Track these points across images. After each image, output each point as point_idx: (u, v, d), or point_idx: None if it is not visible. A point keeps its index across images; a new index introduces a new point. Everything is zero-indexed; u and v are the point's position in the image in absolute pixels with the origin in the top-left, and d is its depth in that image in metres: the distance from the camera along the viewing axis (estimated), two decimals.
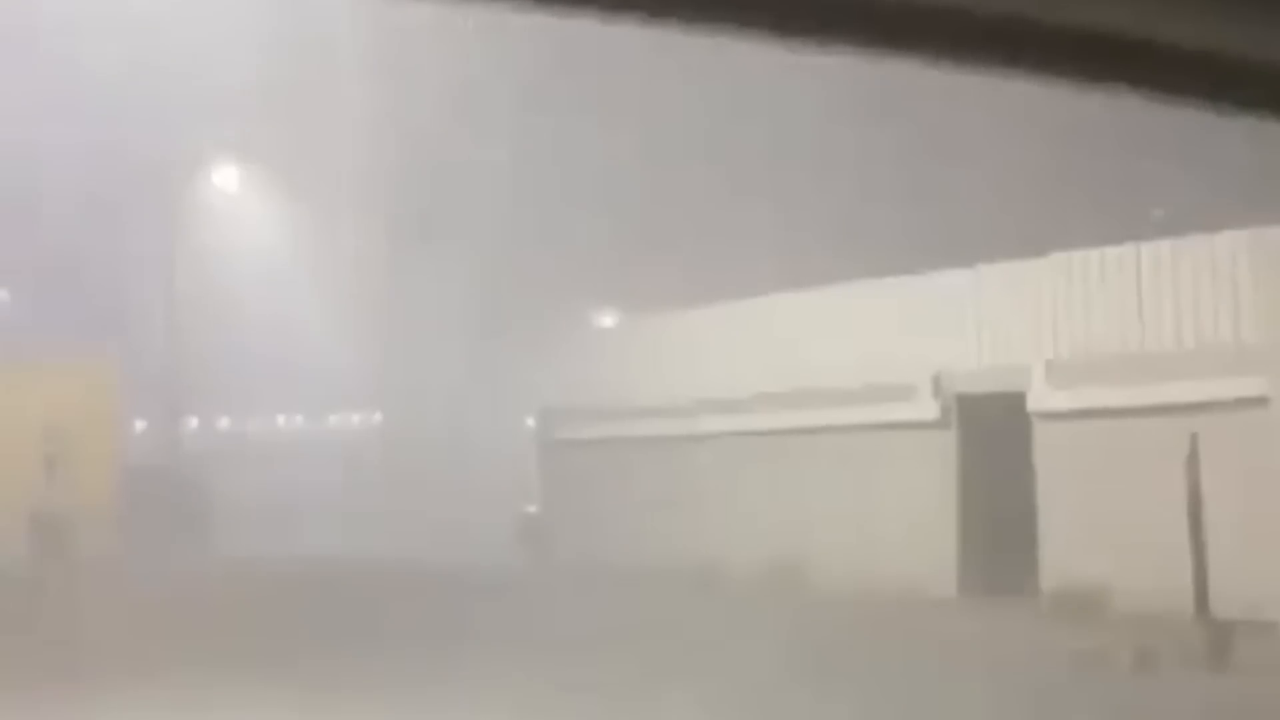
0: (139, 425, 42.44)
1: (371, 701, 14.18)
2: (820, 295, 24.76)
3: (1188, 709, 13.57)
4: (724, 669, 15.12)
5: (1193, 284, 19.25)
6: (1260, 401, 18.03)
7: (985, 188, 31.09)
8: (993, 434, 21.41)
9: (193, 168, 39.12)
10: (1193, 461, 16.21)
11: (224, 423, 53.89)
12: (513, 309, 40.44)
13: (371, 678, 15.02)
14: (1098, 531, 19.28)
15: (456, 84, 34.24)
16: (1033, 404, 20.85)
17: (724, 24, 1.81)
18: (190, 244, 38.62)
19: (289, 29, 31.91)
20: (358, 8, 29.83)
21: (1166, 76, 1.86)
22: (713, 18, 1.80)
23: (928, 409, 22.39)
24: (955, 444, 22.11)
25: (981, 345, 21.80)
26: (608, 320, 40.88)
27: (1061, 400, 20.42)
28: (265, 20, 31.44)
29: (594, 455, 28.74)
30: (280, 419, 60.12)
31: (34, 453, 29.36)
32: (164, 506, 32.39)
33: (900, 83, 23.36)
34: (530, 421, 36.46)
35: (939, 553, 21.60)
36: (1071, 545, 19.76)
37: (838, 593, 21.24)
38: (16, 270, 43.05)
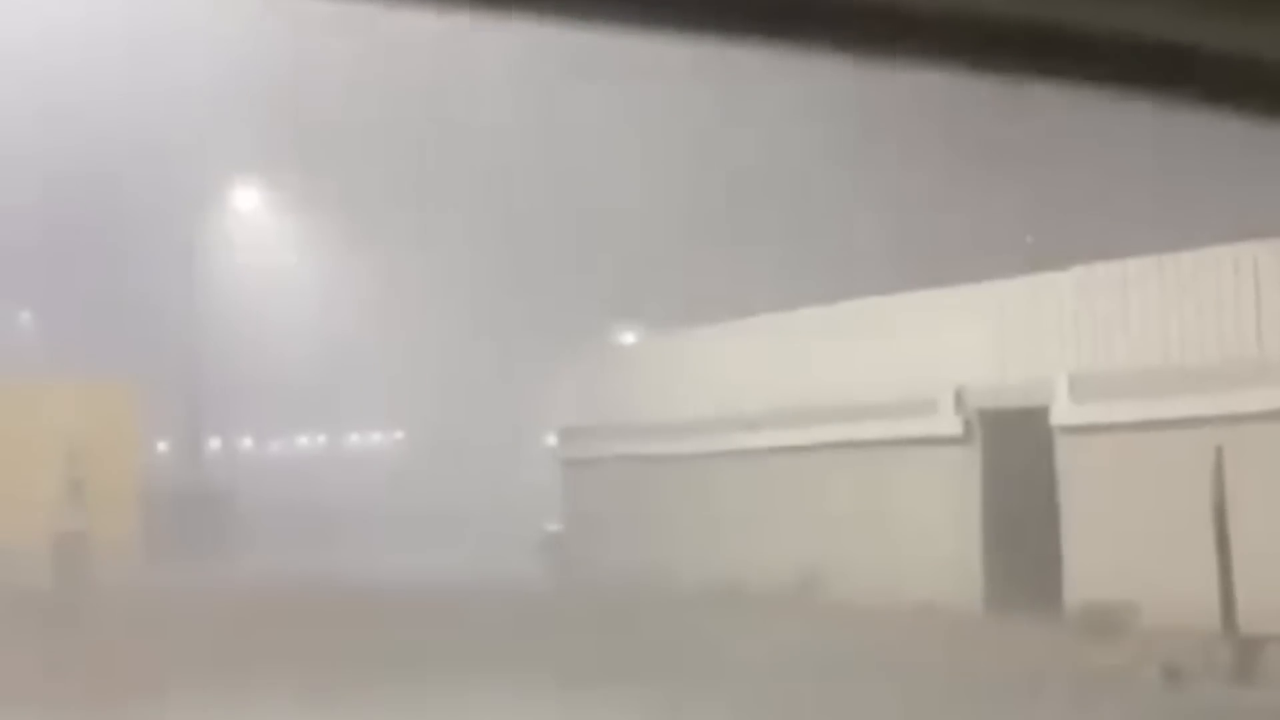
0: (161, 446, 42.54)
1: (392, 718, 14.16)
2: (841, 310, 24.71)
3: None
4: (746, 687, 15.06)
5: (1216, 296, 19.15)
6: None
7: (1007, 201, 31.02)
8: (1016, 448, 21.31)
9: (213, 189, 39.25)
10: (1218, 475, 16.10)
11: (246, 442, 54.02)
12: (533, 327, 40.46)
13: (392, 694, 14.99)
14: (1123, 546, 19.17)
15: (477, 100, 34.29)
16: (1056, 418, 20.75)
17: (745, 35, 1.79)
18: (211, 264, 38.73)
19: (308, 49, 32.01)
20: (376, 26, 29.91)
21: (1196, 83, 1.82)
22: (734, 29, 1.77)
23: (950, 424, 22.29)
24: (978, 459, 22.01)
25: (1004, 359, 21.71)
26: (628, 337, 40.90)
27: (1085, 414, 20.32)
28: (284, 40, 31.55)
29: (615, 472, 28.70)
30: (302, 438, 60.27)
31: (56, 474, 29.38)
32: (186, 526, 32.44)
33: (921, 98, 23.32)
34: (551, 439, 36.48)
35: (963, 568, 21.49)
36: (1096, 560, 19.65)
37: (861, 609, 21.14)
38: (38, 292, 43.23)
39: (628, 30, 1.79)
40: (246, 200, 40.96)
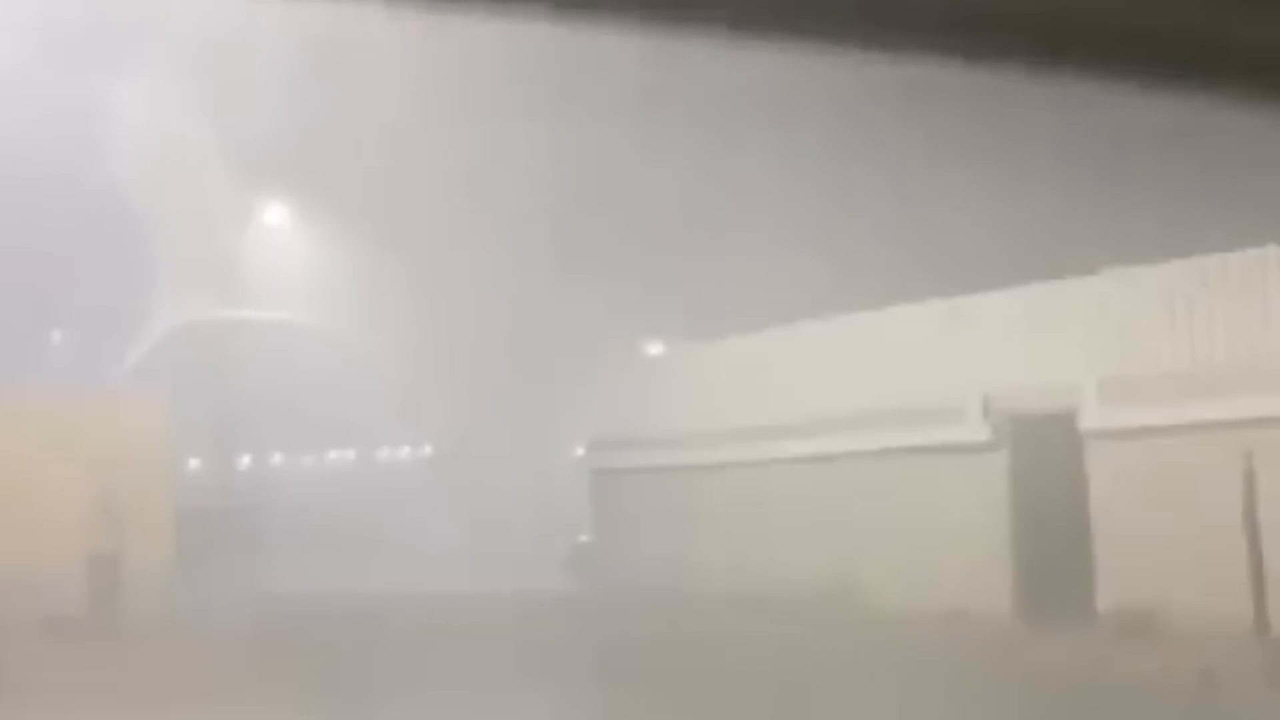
0: (191, 463, 42.69)
1: None
2: (868, 318, 24.70)
3: None
4: (776, 698, 15.04)
5: (1245, 298, 19.09)
6: None
7: (1030, 205, 30.92)
8: (1045, 454, 21.27)
9: (242, 205, 39.42)
10: (1248, 478, 16.05)
11: (276, 459, 54.15)
12: (561, 338, 40.46)
13: (424, 710, 15.01)
14: (1154, 551, 19.10)
15: (500, 113, 34.37)
16: (1085, 423, 20.70)
17: (791, 35, 1.78)
18: (239, 280, 38.88)
19: (338, 65, 32.15)
20: (403, 42, 30.02)
21: (1226, 77, 1.80)
22: (776, 28, 1.76)
23: (978, 430, 22.26)
24: (1007, 465, 21.97)
25: (1032, 364, 21.67)
26: (656, 348, 40.86)
27: (1114, 419, 20.26)
28: (313, 57, 31.68)
29: (645, 483, 28.72)
30: (331, 453, 60.38)
31: (88, 492, 29.50)
32: (217, 544, 32.52)
33: (946, 99, 23.26)
34: (580, 450, 36.49)
35: (993, 576, 21.44)
36: (1127, 565, 19.59)
37: (891, 618, 21.12)
38: (68, 311, 43.44)
39: (633, 27, 1.79)
40: (276, 214, 41.17)
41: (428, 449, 59.34)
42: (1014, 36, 1.73)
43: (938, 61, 1.85)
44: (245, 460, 46.00)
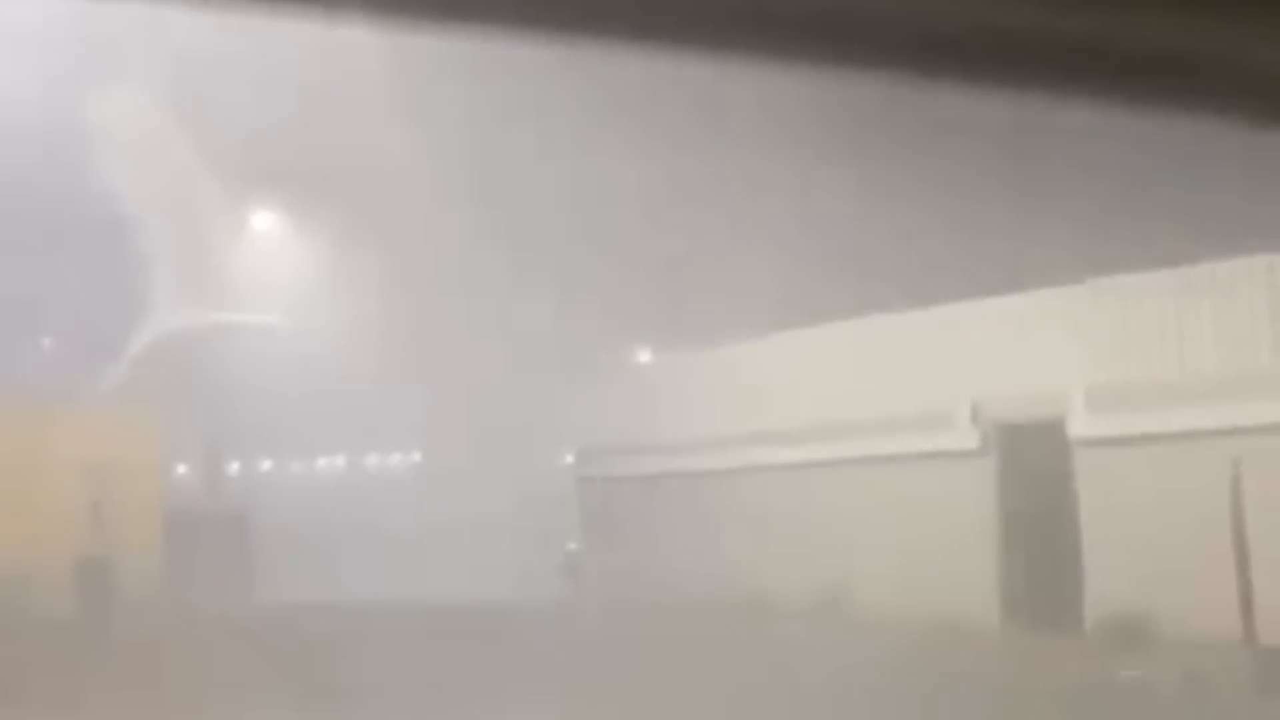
0: (180, 469, 42.67)
1: None
2: (857, 325, 24.74)
3: None
4: (767, 704, 15.07)
5: (1231, 307, 19.15)
6: None
7: (1024, 213, 31.00)
8: (1033, 462, 21.32)
9: (233, 212, 39.40)
10: (1236, 486, 16.11)
11: (265, 465, 54.11)
12: (550, 346, 40.48)
13: (413, 714, 15.02)
14: (1142, 558, 19.14)
15: (493, 124, 34.43)
16: (1073, 431, 20.75)
17: (729, 50, 1.80)
18: (229, 286, 38.86)
19: (326, 72, 32.17)
20: (392, 50, 30.07)
21: (1199, 90, 1.82)
22: (720, 44, 1.79)
23: (967, 438, 22.31)
24: (995, 472, 22.01)
25: (1021, 372, 21.72)
26: (645, 356, 40.91)
27: (1102, 427, 20.31)
28: (301, 63, 31.68)
29: (634, 491, 28.74)
30: (320, 460, 60.35)
31: (78, 498, 29.52)
32: (206, 549, 32.49)
33: (933, 109, 23.33)
34: (569, 458, 36.51)
35: (981, 582, 21.48)
36: (1115, 572, 19.63)
37: (880, 624, 21.13)
38: (59, 317, 43.42)
39: (599, 44, 1.82)
40: (267, 221, 41.18)
41: (417, 456, 59.31)
42: (1005, 47, 1.75)
43: (927, 78, 1.88)
44: (235, 466, 45.94)
